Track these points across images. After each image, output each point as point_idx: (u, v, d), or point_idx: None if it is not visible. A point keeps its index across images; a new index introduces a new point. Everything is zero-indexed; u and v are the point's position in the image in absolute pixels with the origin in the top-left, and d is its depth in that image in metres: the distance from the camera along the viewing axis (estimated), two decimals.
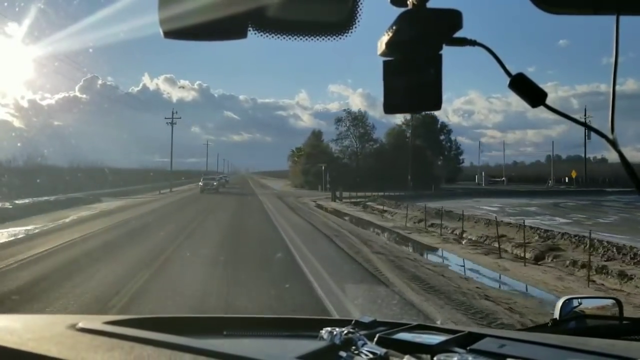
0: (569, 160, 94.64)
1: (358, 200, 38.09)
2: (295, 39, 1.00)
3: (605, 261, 12.11)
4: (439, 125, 72.89)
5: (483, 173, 78.20)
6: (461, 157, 77.73)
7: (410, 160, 58.40)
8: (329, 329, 1.23)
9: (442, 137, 73.87)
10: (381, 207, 30.73)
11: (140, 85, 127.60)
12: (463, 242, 17.13)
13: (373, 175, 53.89)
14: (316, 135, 70.38)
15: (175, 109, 58.83)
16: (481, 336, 1.25)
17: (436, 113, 54.35)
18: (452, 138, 75.95)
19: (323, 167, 38.22)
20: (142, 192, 45.41)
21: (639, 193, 0.87)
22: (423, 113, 55.86)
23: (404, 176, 57.26)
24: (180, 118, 58.90)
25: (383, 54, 1.02)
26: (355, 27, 1.01)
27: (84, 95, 79.98)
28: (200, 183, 49.67)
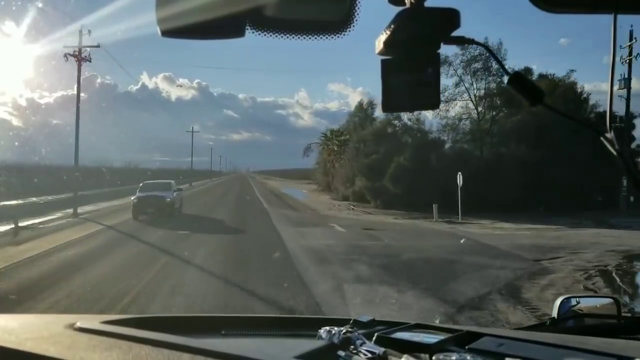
0: None
1: None
2: (292, 37, 0.99)
3: None
4: (579, 95, 32.26)
5: None
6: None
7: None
8: (327, 328, 1.23)
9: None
10: None
11: (139, 83, 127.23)
12: None
13: (523, 176, 25.88)
14: (364, 107, 40.94)
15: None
16: (479, 335, 1.25)
17: None
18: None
19: None
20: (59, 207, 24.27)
21: (638, 192, 0.86)
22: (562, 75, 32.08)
23: (582, 178, 25.82)
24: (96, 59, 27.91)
25: (381, 53, 1.02)
26: (353, 26, 1.00)
27: (82, 94, 79.19)
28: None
